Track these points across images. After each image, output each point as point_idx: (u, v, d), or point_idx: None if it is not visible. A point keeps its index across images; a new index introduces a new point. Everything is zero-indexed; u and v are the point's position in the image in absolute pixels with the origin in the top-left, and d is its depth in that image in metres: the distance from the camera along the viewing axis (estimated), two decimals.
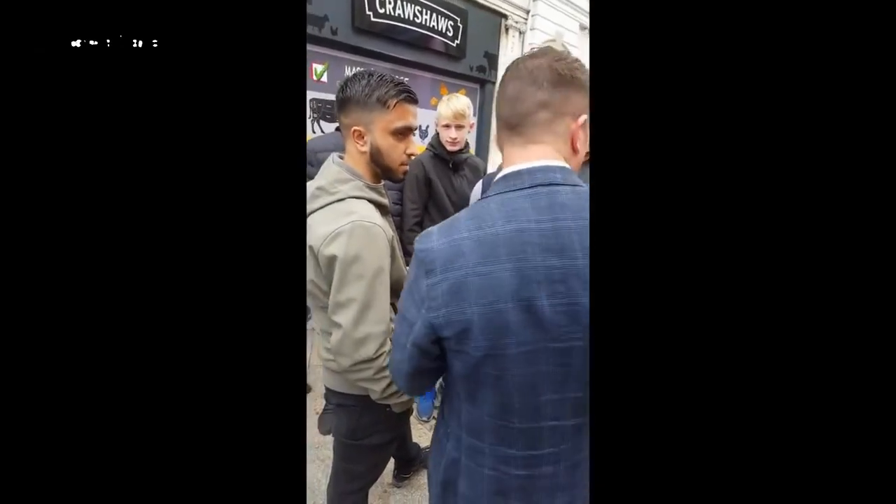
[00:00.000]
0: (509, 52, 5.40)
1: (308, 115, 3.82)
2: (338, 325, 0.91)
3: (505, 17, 5.27)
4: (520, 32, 5.51)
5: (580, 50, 6.10)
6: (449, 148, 1.99)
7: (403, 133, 0.99)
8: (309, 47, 3.69)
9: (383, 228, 0.93)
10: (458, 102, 1.92)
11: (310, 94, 3.81)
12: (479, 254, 0.61)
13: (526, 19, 5.51)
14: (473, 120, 2.06)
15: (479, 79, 5.26)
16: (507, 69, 0.70)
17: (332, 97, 3.69)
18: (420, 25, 4.33)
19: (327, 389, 1.16)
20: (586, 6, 5.91)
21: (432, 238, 0.66)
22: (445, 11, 4.53)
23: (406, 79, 1.00)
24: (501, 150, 0.72)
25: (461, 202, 2.05)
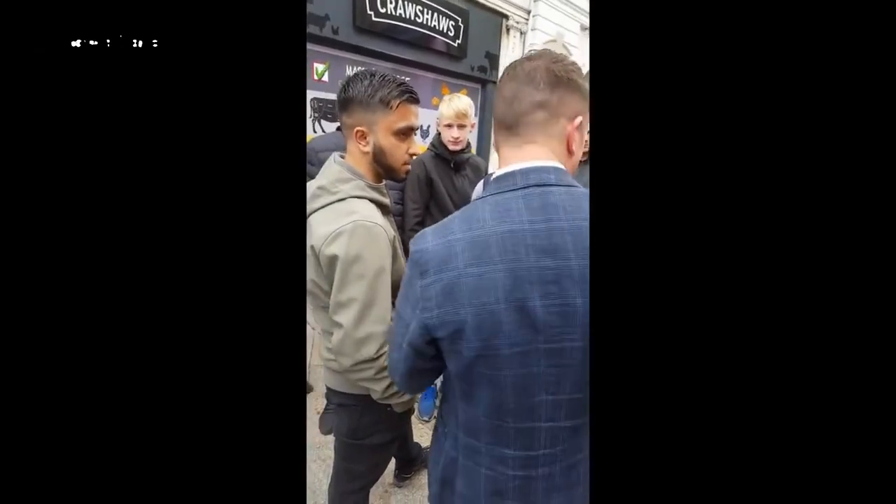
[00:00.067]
0: (510, 52, 5.40)
1: (309, 115, 3.82)
2: (339, 325, 0.91)
3: (506, 17, 5.27)
4: (521, 33, 5.51)
5: (581, 50, 6.10)
6: (451, 147, 1.98)
7: (406, 133, 1.00)
8: (310, 47, 3.69)
9: (385, 228, 0.93)
10: (460, 102, 1.92)
11: (311, 94, 3.81)
12: (472, 254, 0.61)
13: (527, 19, 5.51)
14: (475, 119, 2.06)
15: (480, 79, 5.27)
16: (505, 71, 0.71)
17: (332, 96, 3.68)
18: (421, 25, 4.34)
19: (328, 389, 1.16)
20: (587, 7, 5.91)
21: (426, 239, 0.66)
22: (447, 11, 4.53)
23: (407, 78, 1.00)
24: (498, 150, 0.73)
25: (463, 202, 2.04)
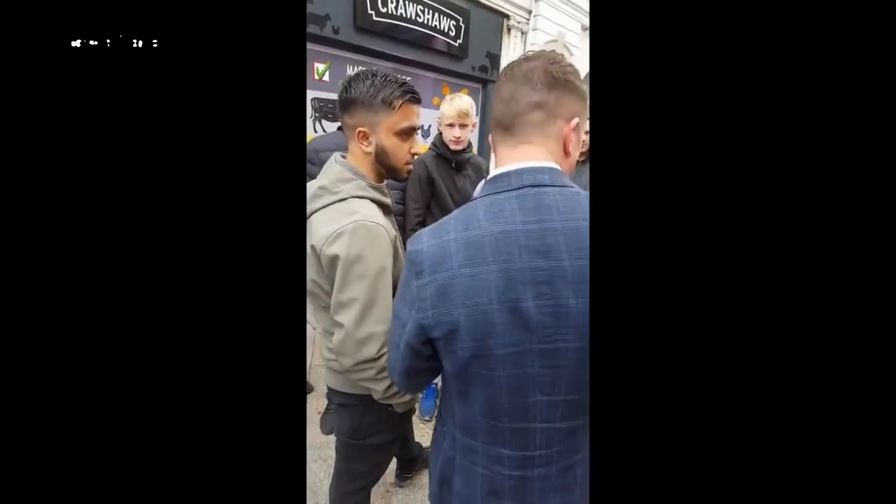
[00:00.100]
0: (511, 52, 5.39)
1: (309, 115, 3.82)
2: (340, 325, 0.91)
3: (507, 17, 5.26)
4: (522, 32, 5.50)
5: (582, 50, 6.10)
6: (453, 147, 1.99)
7: (408, 133, 1.00)
8: (311, 46, 3.69)
9: (386, 228, 0.93)
10: (462, 102, 1.92)
11: (311, 94, 3.81)
12: (466, 255, 0.62)
13: (528, 19, 5.50)
14: (476, 119, 2.06)
15: (481, 78, 5.26)
16: (503, 71, 0.71)
17: (333, 96, 3.69)
18: (422, 25, 4.33)
19: (329, 389, 1.16)
20: (588, 7, 5.90)
21: (422, 239, 0.67)
22: (448, 11, 4.53)
23: (408, 78, 1.00)
24: (494, 150, 0.73)
25: (464, 202, 2.02)
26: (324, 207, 0.94)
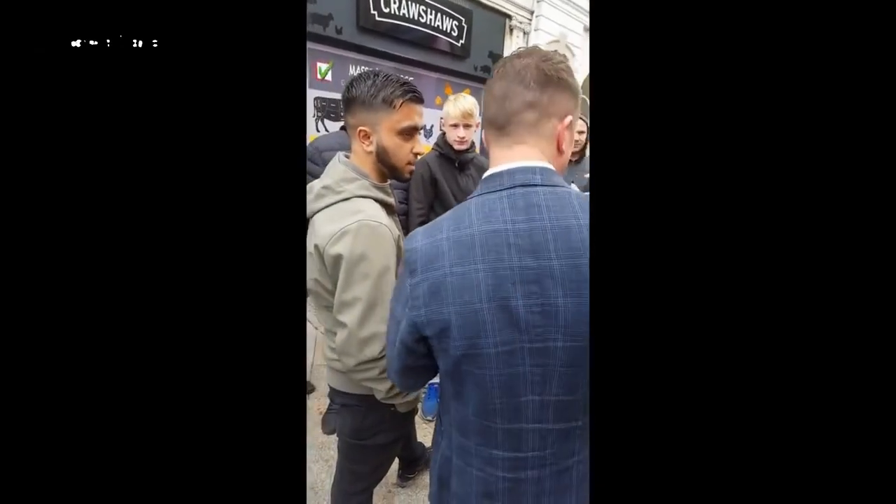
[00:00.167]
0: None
1: (312, 114, 3.83)
2: (343, 325, 0.91)
3: (509, 17, 5.27)
4: (524, 33, 5.50)
5: (583, 50, 6.09)
6: (457, 147, 1.99)
7: (410, 133, 0.99)
8: (313, 46, 3.70)
9: (389, 228, 0.93)
10: (466, 102, 1.92)
11: (314, 93, 3.82)
12: (458, 254, 0.62)
13: (530, 20, 5.51)
14: (480, 119, 2.06)
15: (483, 78, 5.26)
16: (495, 68, 0.70)
17: (336, 96, 3.70)
18: (425, 25, 4.34)
19: (332, 389, 1.15)
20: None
21: (417, 238, 0.67)
22: (450, 11, 4.53)
23: (410, 78, 1.00)
24: (488, 149, 0.72)
25: None
26: (327, 207, 0.94)
